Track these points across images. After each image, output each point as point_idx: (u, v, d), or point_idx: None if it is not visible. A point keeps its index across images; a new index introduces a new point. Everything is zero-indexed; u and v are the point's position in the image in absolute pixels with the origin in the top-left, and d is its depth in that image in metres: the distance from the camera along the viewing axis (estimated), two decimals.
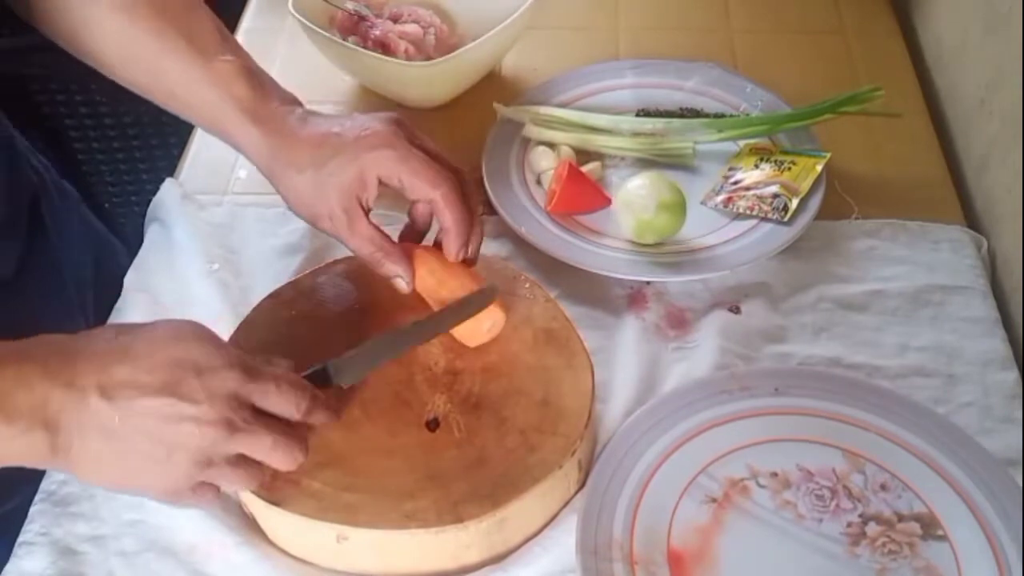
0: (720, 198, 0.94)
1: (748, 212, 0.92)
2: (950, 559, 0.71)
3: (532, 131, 1.00)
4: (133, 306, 0.89)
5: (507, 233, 0.93)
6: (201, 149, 1.05)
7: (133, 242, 0.97)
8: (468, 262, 0.78)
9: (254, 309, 0.82)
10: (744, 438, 0.77)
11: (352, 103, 1.09)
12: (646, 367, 0.83)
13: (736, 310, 0.87)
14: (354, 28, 1.07)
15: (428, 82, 1.03)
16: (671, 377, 0.83)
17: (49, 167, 1.04)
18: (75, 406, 0.60)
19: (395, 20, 1.07)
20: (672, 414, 0.79)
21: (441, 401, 0.76)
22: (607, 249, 0.90)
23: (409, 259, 0.77)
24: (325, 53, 1.06)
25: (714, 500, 0.74)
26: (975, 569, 0.70)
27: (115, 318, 0.88)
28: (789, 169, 0.94)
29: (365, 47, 1.04)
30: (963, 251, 0.92)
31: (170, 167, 1.03)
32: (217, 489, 0.66)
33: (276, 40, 1.17)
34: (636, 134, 1.00)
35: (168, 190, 0.98)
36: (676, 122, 1.00)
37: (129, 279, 0.91)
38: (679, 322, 0.87)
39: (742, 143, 1.00)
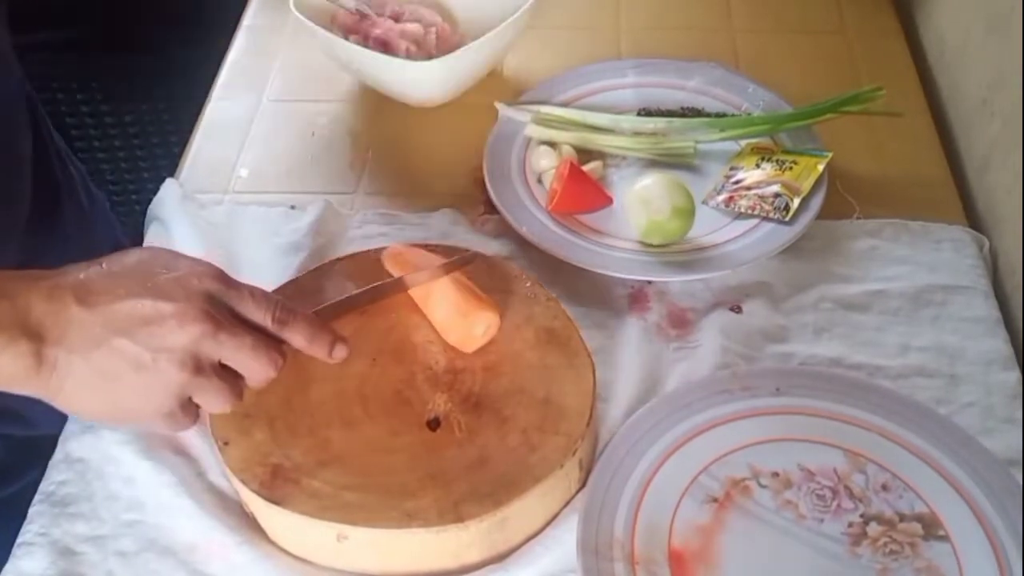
0: (721, 197, 0.94)
1: (749, 211, 0.92)
2: (951, 559, 0.71)
3: (533, 130, 1.00)
4: None
5: (508, 232, 0.92)
6: (202, 148, 1.05)
7: (134, 241, 0.97)
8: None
9: None
10: (745, 438, 0.77)
11: (353, 102, 1.09)
12: (647, 367, 0.83)
13: (737, 310, 0.87)
14: (355, 27, 1.07)
15: (429, 81, 1.03)
16: (672, 377, 0.83)
17: (81, 168, 1.05)
18: (56, 317, 0.60)
19: (396, 19, 1.07)
20: (673, 414, 0.78)
21: (442, 400, 0.76)
22: (609, 248, 0.90)
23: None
24: (327, 52, 1.06)
25: (715, 500, 0.74)
26: (976, 569, 0.70)
27: None
28: (791, 169, 0.94)
29: (366, 46, 1.04)
30: (965, 251, 0.92)
31: (171, 166, 1.03)
32: (198, 411, 0.65)
33: (277, 38, 1.17)
34: (638, 133, 1.00)
35: (169, 189, 0.98)
36: (677, 121, 1.00)
37: None
38: (680, 321, 0.87)
39: (743, 142, 1.00)
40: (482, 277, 0.81)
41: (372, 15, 1.07)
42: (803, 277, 0.90)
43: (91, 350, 0.61)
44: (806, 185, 0.92)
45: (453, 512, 0.69)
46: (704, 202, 0.94)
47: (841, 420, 0.78)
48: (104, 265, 0.64)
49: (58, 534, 0.74)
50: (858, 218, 0.95)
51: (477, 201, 0.97)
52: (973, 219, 0.96)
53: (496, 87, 1.09)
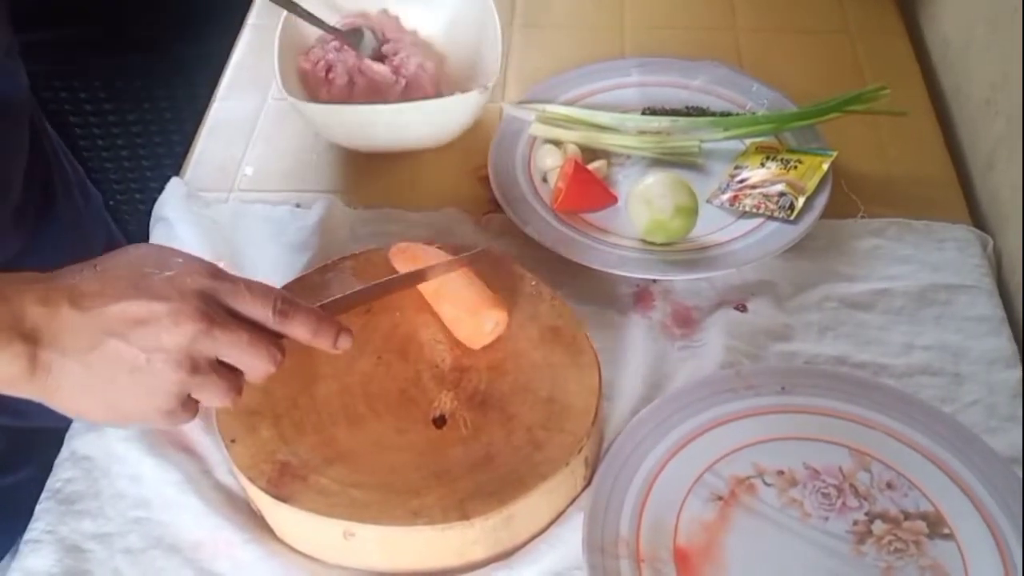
0: (726, 196, 0.94)
1: (754, 210, 0.92)
2: (956, 557, 0.71)
3: (538, 129, 1.00)
4: None
5: (513, 231, 0.92)
6: (206, 147, 1.05)
7: (131, 240, 0.97)
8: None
9: None
10: (750, 436, 0.77)
11: None
12: (652, 365, 0.83)
13: (742, 308, 0.87)
14: (324, 79, 1.03)
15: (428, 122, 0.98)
16: (677, 375, 0.83)
17: (79, 167, 1.05)
18: (50, 320, 0.60)
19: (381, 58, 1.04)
20: (678, 412, 0.79)
21: (448, 398, 0.76)
22: (613, 247, 0.90)
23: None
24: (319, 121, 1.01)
25: (720, 498, 0.74)
26: (981, 567, 0.70)
27: None
28: (795, 168, 0.94)
29: (331, 92, 1.01)
30: (969, 250, 0.92)
31: (175, 166, 1.03)
32: (198, 405, 0.65)
33: None
34: (642, 132, 1.00)
35: (173, 189, 0.98)
36: (682, 120, 1.00)
37: None
38: (685, 320, 0.87)
39: (748, 142, 1.00)
40: (487, 275, 0.81)
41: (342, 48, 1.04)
42: (807, 276, 0.90)
43: (85, 353, 0.60)
44: (810, 184, 0.92)
45: (459, 510, 0.69)
46: (709, 201, 0.94)
47: (846, 419, 0.78)
48: (97, 267, 0.63)
49: (65, 531, 0.74)
50: (862, 217, 0.95)
51: (482, 199, 0.97)
52: (977, 218, 0.96)
53: (501, 86, 1.09)
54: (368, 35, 1.05)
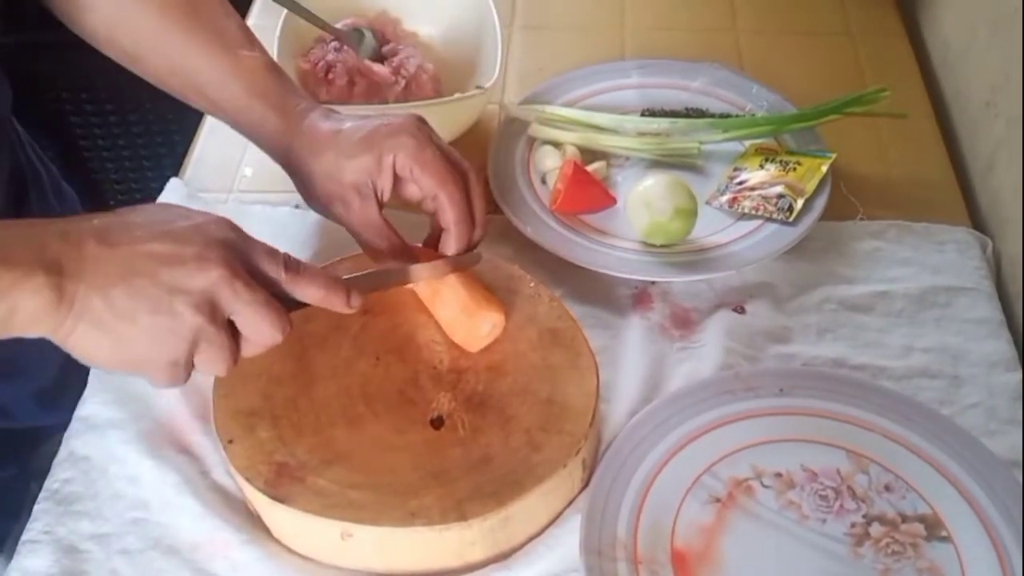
0: (725, 198, 0.94)
1: (753, 212, 0.92)
2: (954, 560, 0.71)
3: (537, 130, 1.00)
4: None
5: (512, 232, 0.92)
6: (206, 148, 1.05)
7: None
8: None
9: None
10: (748, 438, 0.77)
11: None
12: (651, 367, 0.83)
13: (741, 310, 0.87)
14: (324, 79, 1.03)
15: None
16: (676, 377, 0.83)
17: (52, 169, 1.04)
18: (73, 254, 0.59)
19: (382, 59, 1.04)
20: (676, 414, 0.79)
21: (446, 399, 0.76)
22: (612, 249, 0.90)
23: (414, 261, 0.77)
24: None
25: (718, 500, 0.74)
26: (979, 570, 0.70)
27: None
28: (794, 170, 0.94)
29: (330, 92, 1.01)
30: (968, 252, 0.92)
31: (175, 166, 1.03)
32: (191, 372, 0.64)
33: None
34: (641, 134, 1.00)
35: (173, 189, 0.98)
36: (681, 122, 1.00)
37: None
38: (684, 322, 0.87)
39: (747, 143, 1.00)
40: (486, 277, 0.81)
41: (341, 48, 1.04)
42: (807, 278, 0.90)
43: (110, 288, 0.60)
44: (810, 186, 0.92)
45: (456, 511, 0.69)
46: (708, 203, 0.94)
47: (844, 421, 0.78)
48: (119, 216, 0.63)
49: (62, 532, 0.74)
50: (862, 219, 0.95)
51: None
52: (977, 221, 0.96)
53: (501, 87, 1.09)
54: (368, 36, 1.05)
